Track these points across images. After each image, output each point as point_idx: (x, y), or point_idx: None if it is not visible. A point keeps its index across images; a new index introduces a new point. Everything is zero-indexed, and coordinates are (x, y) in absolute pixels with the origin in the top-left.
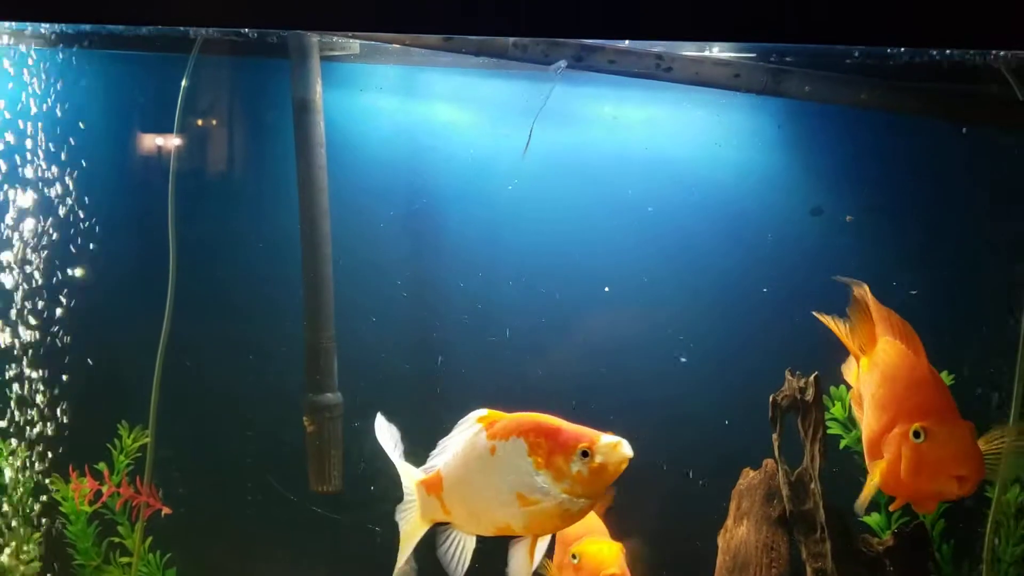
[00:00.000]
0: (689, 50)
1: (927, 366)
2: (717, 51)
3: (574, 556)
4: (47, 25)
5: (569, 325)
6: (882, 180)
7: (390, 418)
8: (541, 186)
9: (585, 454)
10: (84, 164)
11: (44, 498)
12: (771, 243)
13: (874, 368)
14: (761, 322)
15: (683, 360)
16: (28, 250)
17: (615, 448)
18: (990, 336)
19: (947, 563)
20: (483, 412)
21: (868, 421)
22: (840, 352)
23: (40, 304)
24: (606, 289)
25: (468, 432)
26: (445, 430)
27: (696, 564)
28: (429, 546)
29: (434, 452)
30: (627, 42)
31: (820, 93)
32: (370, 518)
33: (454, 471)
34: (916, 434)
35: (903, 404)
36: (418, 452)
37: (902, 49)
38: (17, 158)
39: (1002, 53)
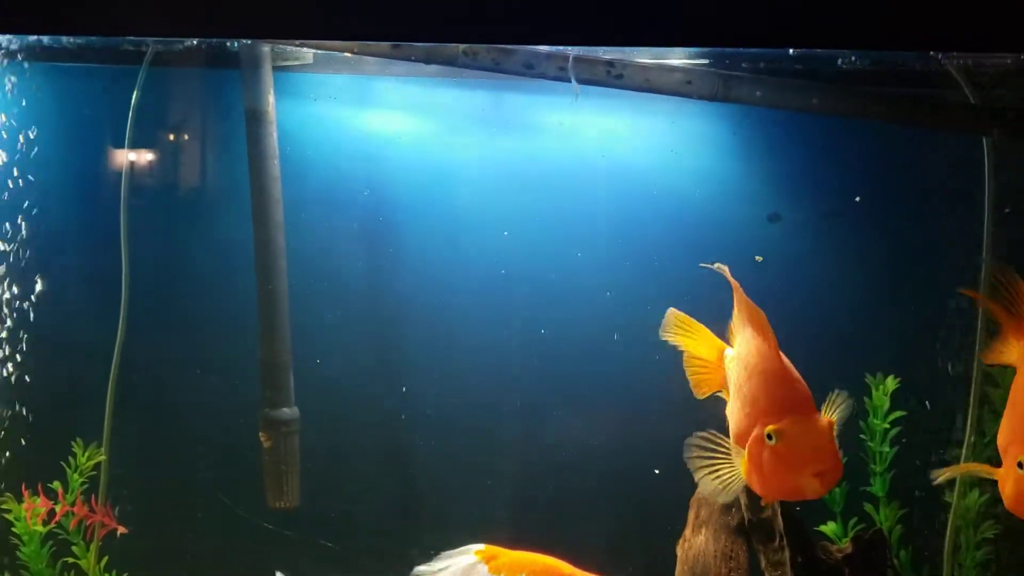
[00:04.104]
0: (643, 57)
1: (779, 360)
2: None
3: (769, 436)
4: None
5: (529, 333)
6: (839, 185)
7: None
8: (498, 196)
9: None
10: (33, 178)
11: None
12: (730, 249)
13: (738, 360)
14: (720, 329)
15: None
16: None
17: None
18: (949, 340)
19: (906, 569)
20: (480, 546)
21: (735, 413)
22: None
23: None
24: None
25: (461, 563)
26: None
27: (654, 574)
28: None
29: None
30: (578, 49)
31: (770, 98)
32: (325, 534)
33: None
34: (769, 436)
35: (758, 403)
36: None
37: (852, 53)
38: None
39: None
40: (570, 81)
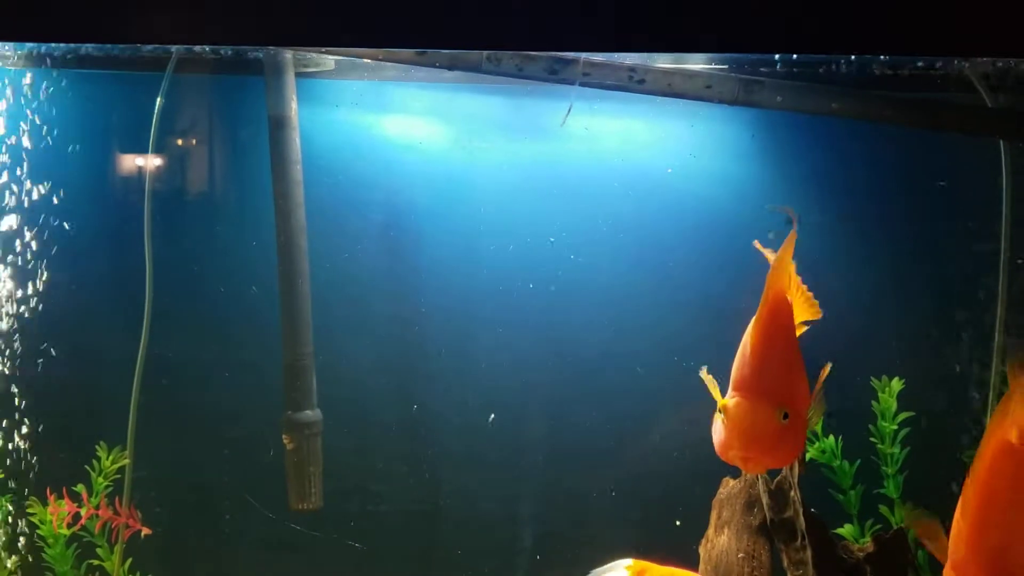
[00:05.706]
0: (664, 62)
1: (760, 335)
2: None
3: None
4: (17, 45)
5: (547, 337)
6: (856, 188)
7: None
8: (517, 200)
9: None
10: (59, 183)
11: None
12: (747, 252)
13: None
14: (738, 332)
15: (639, 370)
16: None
17: None
18: (970, 341)
19: (926, 568)
20: (629, 561)
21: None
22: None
23: (15, 324)
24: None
25: None
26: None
27: None
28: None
29: None
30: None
31: (791, 103)
32: (350, 534)
33: None
34: (720, 411)
35: (736, 369)
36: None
37: (872, 58)
38: None
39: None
40: (594, 86)
